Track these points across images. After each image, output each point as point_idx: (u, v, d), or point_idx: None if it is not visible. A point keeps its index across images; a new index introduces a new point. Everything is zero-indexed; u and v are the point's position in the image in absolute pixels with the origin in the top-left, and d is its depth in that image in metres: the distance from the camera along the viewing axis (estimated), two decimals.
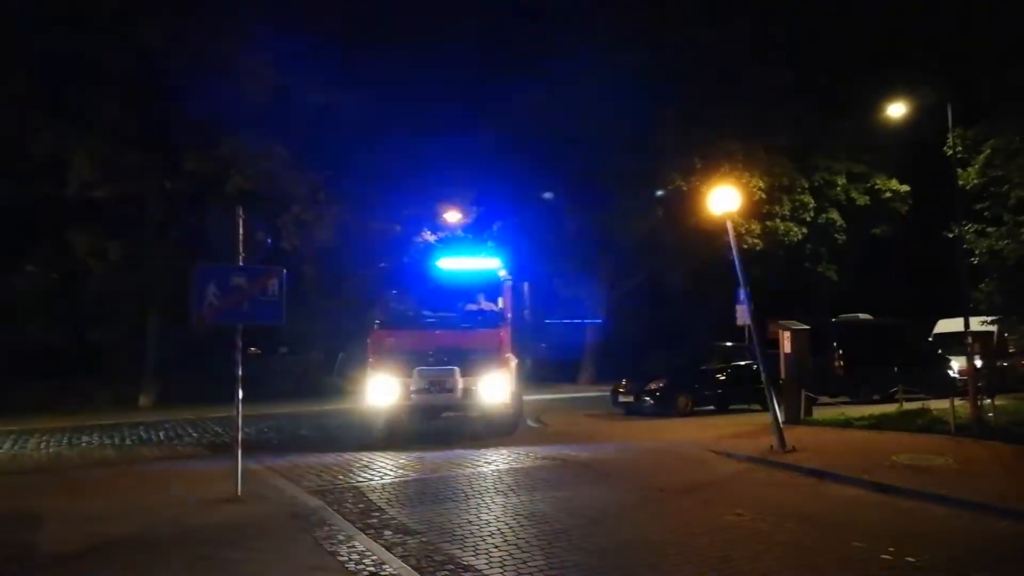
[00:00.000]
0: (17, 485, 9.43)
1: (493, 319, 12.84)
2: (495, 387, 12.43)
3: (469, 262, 13.67)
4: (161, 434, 15.05)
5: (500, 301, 12.96)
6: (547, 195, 26.84)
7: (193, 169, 20.08)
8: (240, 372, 8.35)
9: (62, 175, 19.12)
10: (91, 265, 21.06)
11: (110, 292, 21.85)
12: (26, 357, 22.28)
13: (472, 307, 13.06)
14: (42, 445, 13.61)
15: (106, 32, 18.56)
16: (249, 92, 20.03)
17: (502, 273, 13.33)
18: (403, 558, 5.87)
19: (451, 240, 27.08)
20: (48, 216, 20.78)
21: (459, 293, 13.12)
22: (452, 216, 27.28)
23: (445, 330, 12.73)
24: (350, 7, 22.62)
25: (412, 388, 12.41)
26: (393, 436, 12.61)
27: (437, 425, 13.90)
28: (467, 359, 12.38)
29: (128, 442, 14.01)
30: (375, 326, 13.09)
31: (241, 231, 8.46)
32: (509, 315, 12.99)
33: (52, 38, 18.30)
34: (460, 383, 12.31)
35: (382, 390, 12.54)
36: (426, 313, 13.12)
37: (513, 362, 13.06)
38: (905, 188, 25.57)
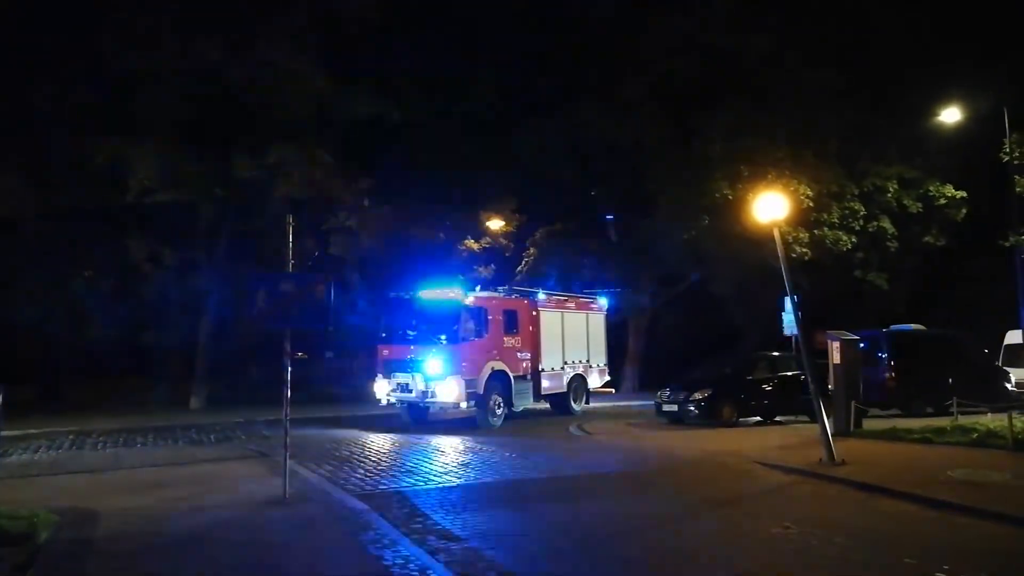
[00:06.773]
0: (77, 484, 9.74)
1: (452, 337, 15.80)
2: (447, 390, 15.56)
3: (444, 292, 16.74)
4: (212, 436, 15.42)
5: (461, 322, 15.87)
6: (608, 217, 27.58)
7: (243, 177, 20.56)
8: (288, 376, 8.52)
9: (121, 182, 19.76)
10: (146, 270, 21.68)
11: (163, 297, 22.48)
12: (82, 359, 23.04)
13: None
14: (99, 445, 14.06)
15: (164, 46, 19.11)
16: (297, 102, 20.48)
17: (468, 300, 16.20)
18: (447, 564, 5.91)
19: (492, 249, 27.32)
20: (106, 222, 21.49)
21: (433, 315, 16.36)
22: (494, 224, 27.37)
23: (416, 345, 16.34)
24: (396, 16, 22.94)
25: (390, 388, 16.37)
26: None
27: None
28: (429, 368, 15.74)
29: (180, 443, 14.40)
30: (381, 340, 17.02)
31: (291, 238, 8.64)
32: (470, 334, 15.95)
33: (113, 51, 18.93)
34: (419, 385, 15.80)
35: (379, 388, 16.63)
36: (408, 332, 16.77)
37: (482, 370, 16.06)
38: (961, 194, 24.79)
